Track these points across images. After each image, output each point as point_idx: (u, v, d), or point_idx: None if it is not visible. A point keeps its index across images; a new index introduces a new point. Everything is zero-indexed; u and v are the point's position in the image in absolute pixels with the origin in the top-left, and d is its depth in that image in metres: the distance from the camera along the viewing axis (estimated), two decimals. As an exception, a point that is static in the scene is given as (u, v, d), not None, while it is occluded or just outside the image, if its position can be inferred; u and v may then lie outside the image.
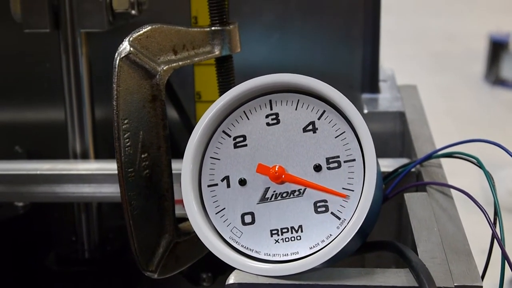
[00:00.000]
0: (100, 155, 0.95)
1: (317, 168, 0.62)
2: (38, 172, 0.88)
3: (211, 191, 0.64)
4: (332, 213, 0.61)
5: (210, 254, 0.62)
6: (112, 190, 0.86)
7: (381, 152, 0.89)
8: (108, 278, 0.98)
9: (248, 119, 0.64)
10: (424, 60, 4.37)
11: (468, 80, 4.05)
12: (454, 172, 1.05)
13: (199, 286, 1.00)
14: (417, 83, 1.08)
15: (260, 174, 0.62)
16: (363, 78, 1.00)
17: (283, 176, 0.62)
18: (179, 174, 0.64)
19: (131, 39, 0.67)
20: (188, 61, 0.72)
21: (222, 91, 0.77)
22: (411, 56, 4.38)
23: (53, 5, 0.89)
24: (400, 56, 4.16)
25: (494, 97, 3.82)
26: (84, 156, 0.94)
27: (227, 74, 0.77)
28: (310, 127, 0.63)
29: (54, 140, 1.03)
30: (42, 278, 1.00)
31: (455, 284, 0.57)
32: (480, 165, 0.69)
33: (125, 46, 0.67)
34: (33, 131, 1.05)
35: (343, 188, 0.61)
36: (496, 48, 3.95)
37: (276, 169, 0.62)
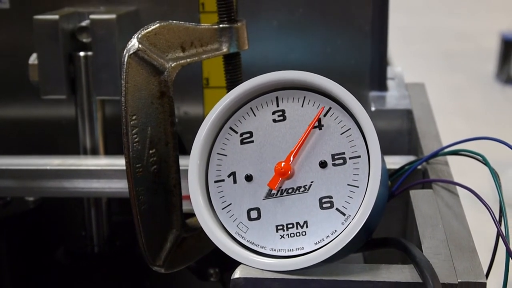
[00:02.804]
0: (109, 151, 0.96)
1: (323, 164, 0.62)
2: (48, 168, 0.89)
3: (217, 187, 0.64)
4: (337, 209, 0.61)
5: (217, 249, 0.63)
6: (121, 185, 0.87)
7: (388, 149, 0.90)
8: (116, 272, 0.99)
9: (255, 115, 0.65)
10: (435, 58, 4.35)
11: (479, 78, 4.03)
12: (464, 170, 1.05)
13: (206, 281, 1.01)
14: (427, 82, 1.08)
15: (276, 184, 0.62)
16: (371, 75, 1.00)
17: (290, 163, 0.62)
18: (187, 170, 0.64)
19: (139, 36, 0.68)
20: (196, 58, 0.72)
21: (229, 88, 0.77)
22: (421, 54, 4.36)
23: (69, 72, 0.91)
24: (410, 54, 4.15)
25: (505, 96, 3.81)
26: (94, 152, 0.95)
27: (234, 71, 0.77)
28: (316, 123, 0.63)
29: (64, 136, 1.03)
30: (52, 272, 1.01)
31: (459, 281, 0.58)
32: (485, 162, 0.70)
33: (133, 43, 0.67)
34: (44, 127, 1.06)
35: (348, 185, 0.61)
36: (508, 47, 3.94)
37: (282, 165, 0.62)
